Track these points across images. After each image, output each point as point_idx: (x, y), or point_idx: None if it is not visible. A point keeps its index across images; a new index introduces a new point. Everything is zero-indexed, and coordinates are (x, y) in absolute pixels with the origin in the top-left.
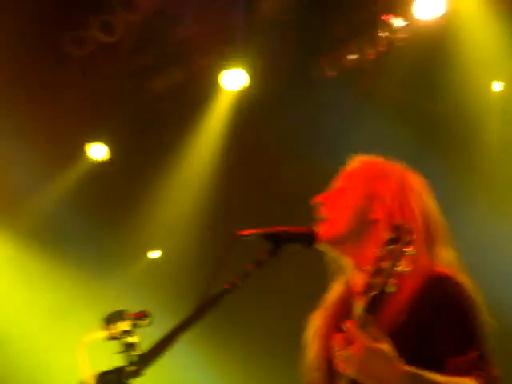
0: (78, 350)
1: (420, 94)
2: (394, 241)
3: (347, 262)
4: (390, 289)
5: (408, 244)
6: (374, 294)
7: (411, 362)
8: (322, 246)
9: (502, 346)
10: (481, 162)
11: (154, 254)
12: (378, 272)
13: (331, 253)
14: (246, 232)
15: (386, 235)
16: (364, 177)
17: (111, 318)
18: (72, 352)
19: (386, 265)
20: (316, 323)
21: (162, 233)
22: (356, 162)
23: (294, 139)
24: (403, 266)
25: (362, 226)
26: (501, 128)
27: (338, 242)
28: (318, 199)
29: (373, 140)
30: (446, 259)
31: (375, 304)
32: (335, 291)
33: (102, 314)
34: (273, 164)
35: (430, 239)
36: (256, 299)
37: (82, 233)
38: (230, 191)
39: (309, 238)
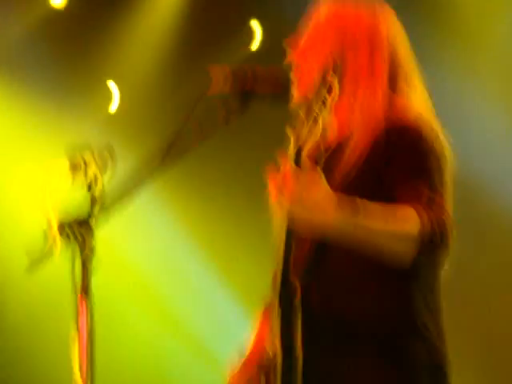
0: (41, 191)
1: None
2: (322, 85)
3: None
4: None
5: (330, 89)
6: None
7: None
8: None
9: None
10: (457, 26)
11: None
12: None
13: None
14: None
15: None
16: (335, 29)
17: (76, 160)
18: (32, 187)
19: (310, 110)
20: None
21: (124, 72)
22: (325, 9)
23: None
24: (325, 113)
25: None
26: None
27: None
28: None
29: None
30: (417, 106)
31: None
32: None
33: (63, 148)
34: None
35: (395, 86)
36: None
37: (41, 66)
38: (194, 36)
39: (282, 98)
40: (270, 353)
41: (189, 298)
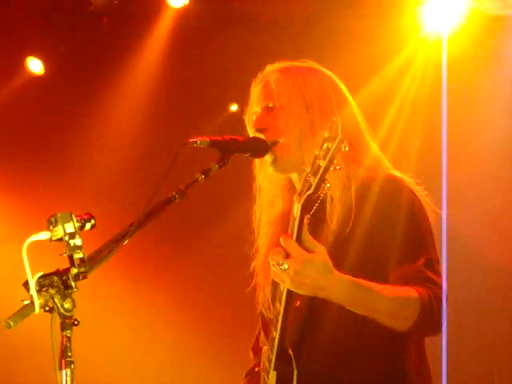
0: (22, 251)
1: None
2: (329, 139)
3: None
4: (326, 186)
5: (342, 141)
6: (309, 192)
7: (356, 270)
8: (278, 168)
9: None
10: None
11: None
12: (314, 171)
13: (284, 173)
14: (194, 139)
15: (322, 134)
16: (297, 89)
17: (56, 219)
18: (15, 253)
19: (322, 163)
20: (263, 239)
21: (102, 145)
22: (278, 73)
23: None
24: (339, 164)
25: (309, 139)
26: None
27: (294, 162)
28: (258, 125)
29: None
30: (386, 162)
31: (311, 203)
32: (281, 206)
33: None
34: (216, 82)
35: (364, 139)
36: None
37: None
38: (172, 109)
39: (259, 147)
40: None
41: None
